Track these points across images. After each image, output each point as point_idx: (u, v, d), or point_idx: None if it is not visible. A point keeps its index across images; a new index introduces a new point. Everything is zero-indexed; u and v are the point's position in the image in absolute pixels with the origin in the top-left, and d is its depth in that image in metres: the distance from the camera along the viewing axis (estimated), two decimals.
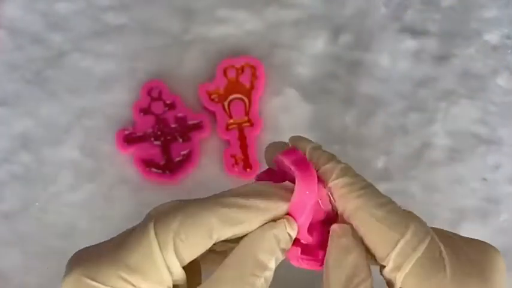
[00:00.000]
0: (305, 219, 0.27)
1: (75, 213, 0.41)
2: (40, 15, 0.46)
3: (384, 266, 0.26)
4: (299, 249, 0.28)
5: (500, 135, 0.44)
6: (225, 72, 0.44)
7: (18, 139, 0.43)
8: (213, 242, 0.25)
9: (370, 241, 0.26)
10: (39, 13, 0.46)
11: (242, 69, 0.44)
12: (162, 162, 0.42)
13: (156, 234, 0.24)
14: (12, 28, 0.46)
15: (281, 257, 0.26)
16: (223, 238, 0.25)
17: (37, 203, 0.41)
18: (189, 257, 0.25)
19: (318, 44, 0.46)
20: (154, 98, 0.43)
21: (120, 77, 0.45)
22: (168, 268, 0.24)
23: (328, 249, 0.26)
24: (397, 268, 0.25)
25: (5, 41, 0.45)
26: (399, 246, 0.25)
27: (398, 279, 0.25)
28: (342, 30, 0.47)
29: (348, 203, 0.26)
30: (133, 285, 0.24)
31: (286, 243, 0.26)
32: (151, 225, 0.25)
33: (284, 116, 0.44)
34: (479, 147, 0.44)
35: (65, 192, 0.42)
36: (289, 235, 0.26)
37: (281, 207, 0.26)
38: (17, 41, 0.45)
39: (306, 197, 0.26)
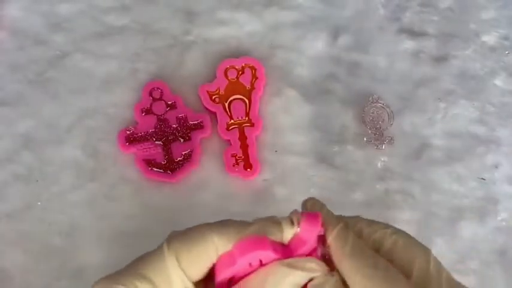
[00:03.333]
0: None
1: (77, 213, 0.41)
2: (42, 16, 0.47)
3: None
4: None
5: (498, 135, 0.45)
6: (225, 73, 0.45)
7: (21, 139, 0.43)
8: (216, 255, 0.27)
9: None
10: (41, 14, 0.47)
11: (242, 70, 0.45)
12: (163, 162, 0.42)
13: (168, 249, 0.27)
14: (14, 29, 0.46)
15: None
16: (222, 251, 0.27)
17: (39, 203, 0.42)
18: (196, 271, 0.27)
19: (318, 45, 0.47)
20: (156, 98, 0.44)
21: (122, 78, 0.45)
22: (177, 279, 0.27)
23: None
24: None
25: (7, 41, 0.46)
26: None
27: None
28: (341, 31, 0.47)
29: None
30: None
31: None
32: (165, 243, 0.27)
33: (284, 116, 0.45)
34: (478, 147, 0.44)
35: (67, 192, 0.42)
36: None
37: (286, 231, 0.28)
38: (19, 42, 0.46)
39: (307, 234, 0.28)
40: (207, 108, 0.44)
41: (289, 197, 0.42)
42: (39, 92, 0.44)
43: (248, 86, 0.44)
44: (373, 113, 0.44)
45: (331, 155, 0.43)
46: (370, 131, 0.44)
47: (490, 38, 0.47)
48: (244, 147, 0.43)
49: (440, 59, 0.47)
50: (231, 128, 0.43)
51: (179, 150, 0.43)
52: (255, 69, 0.45)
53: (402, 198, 0.42)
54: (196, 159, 0.43)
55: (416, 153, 0.44)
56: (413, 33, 0.47)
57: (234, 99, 0.44)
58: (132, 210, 0.41)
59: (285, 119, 0.45)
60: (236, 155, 0.43)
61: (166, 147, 0.43)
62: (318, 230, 0.28)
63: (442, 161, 0.44)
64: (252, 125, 0.43)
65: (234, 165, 0.42)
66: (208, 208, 0.42)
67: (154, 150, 0.43)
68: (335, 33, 0.47)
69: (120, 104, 0.44)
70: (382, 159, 0.44)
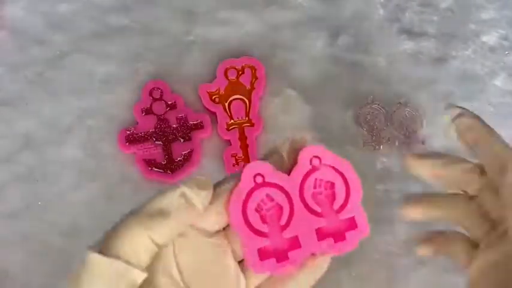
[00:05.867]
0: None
1: (78, 213, 0.41)
2: (42, 16, 0.47)
3: None
4: None
5: None
6: (225, 73, 0.45)
7: (21, 139, 0.43)
8: None
9: None
10: (41, 14, 0.47)
11: (242, 70, 0.45)
12: (163, 162, 0.42)
13: None
14: (14, 29, 0.46)
15: None
16: None
17: (40, 203, 0.42)
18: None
19: (318, 45, 0.47)
20: (156, 98, 0.44)
21: (122, 78, 0.45)
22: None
23: None
24: None
25: (7, 42, 0.46)
26: None
27: None
28: (341, 31, 0.47)
29: None
30: None
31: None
32: None
33: (284, 116, 0.45)
34: None
35: (67, 192, 0.42)
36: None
37: None
38: (19, 42, 0.46)
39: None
40: (207, 108, 0.44)
41: None
42: (39, 92, 0.44)
43: (248, 86, 0.44)
44: (368, 114, 0.44)
45: None
46: (366, 133, 0.44)
47: (489, 38, 0.47)
48: (244, 147, 0.43)
49: (439, 60, 0.47)
50: (231, 128, 0.43)
51: (179, 150, 0.43)
52: (255, 69, 0.45)
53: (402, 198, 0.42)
54: (196, 160, 0.43)
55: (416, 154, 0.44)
56: (413, 33, 0.47)
57: (234, 99, 0.44)
58: None
59: (285, 119, 0.45)
60: (236, 155, 0.43)
61: (166, 147, 0.43)
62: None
63: None
64: (252, 125, 0.44)
65: (234, 165, 0.42)
66: None
67: (155, 150, 0.43)
68: (335, 33, 0.47)
69: (120, 104, 0.44)
70: (382, 159, 0.44)
